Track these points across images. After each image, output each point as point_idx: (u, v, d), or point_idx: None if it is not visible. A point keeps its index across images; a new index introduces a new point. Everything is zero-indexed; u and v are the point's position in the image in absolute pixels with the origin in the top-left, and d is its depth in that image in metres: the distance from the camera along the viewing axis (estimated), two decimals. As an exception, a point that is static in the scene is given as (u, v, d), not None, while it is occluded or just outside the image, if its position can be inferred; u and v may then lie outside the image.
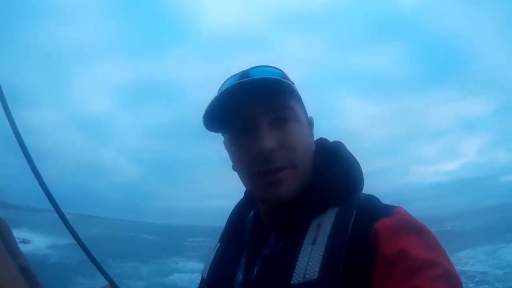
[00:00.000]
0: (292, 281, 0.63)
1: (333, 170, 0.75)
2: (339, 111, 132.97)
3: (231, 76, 0.79)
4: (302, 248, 0.66)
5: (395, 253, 0.59)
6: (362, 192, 0.77)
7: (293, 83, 0.79)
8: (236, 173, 0.81)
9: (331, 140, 0.86)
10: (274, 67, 0.80)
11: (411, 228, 0.64)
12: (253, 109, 0.73)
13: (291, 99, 0.76)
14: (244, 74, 0.77)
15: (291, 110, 0.75)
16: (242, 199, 0.95)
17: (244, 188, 0.92)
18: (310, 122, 0.84)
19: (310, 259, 0.63)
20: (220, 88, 0.79)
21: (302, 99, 0.82)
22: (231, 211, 0.96)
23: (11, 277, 1.33)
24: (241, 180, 0.80)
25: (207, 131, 0.79)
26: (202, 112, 0.75)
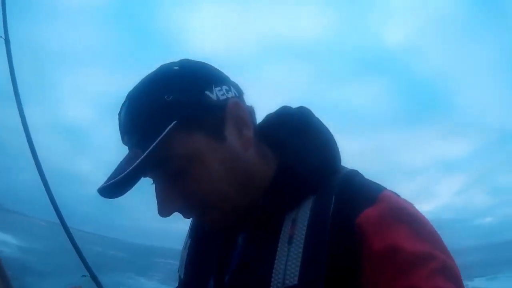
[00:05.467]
0: None
1: (305, 148, 0.62)
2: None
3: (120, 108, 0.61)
4: (278, 249, 0.55)
5: (384, 249, 0.50)
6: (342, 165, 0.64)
7: (171, 103, 0.56)
8: None
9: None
10: (141, 92, 0.59)
11: (400, 216, 0.54)
12: (145, 173, 0.59)
13: (168, 145, 0.55)
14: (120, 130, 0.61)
15: (177, 156, 0.57)
16: None
17: None
18: (223, 111, 0.59)
19: (288, 262, 0.54)
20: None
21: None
22: None
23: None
24: None
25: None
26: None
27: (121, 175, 0.53)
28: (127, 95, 0.61)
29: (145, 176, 0.60)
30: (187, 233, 0.79)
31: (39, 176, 2.01)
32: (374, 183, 0.62)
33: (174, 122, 0.55)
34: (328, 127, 0.66)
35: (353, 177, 0.61)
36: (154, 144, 0.53)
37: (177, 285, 0.80)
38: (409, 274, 0.48)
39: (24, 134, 2.05)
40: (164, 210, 0.59)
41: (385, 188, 0.60)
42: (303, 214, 0.57)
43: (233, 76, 0.65)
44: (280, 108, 0.71)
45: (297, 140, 0.64)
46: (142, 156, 0.53)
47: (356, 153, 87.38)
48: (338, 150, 0.65)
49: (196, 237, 0.75)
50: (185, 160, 0.57)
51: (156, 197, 0.60)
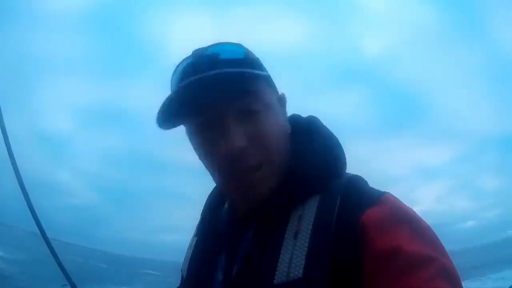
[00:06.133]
0: (275, 281, 0.55)
1: (311, 152, 0.66)
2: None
3: (185, 59, 0.66)
4: (283, 243, 0.58)
5: (386, 250, 0.52)
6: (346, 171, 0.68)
7: (258, 60, 0.67)
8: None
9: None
10: (234, 44, 0.67)
11: (402, 218, 0.57)
12: (217, 103, 0.61)
13: (258, 84, 0.62)
14: (199, 61, 0.64)
15: (259, 98, 0.62)
16: (216, 187, 0.82)
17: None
18: (281, 100, 0.71)
19: (293, 256, 0.56)
20: (175, 72, 0.66)
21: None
22: (206, 199, 0.84)
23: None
24: (210, 175, 0.69)
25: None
26: (157, 110, 0.62)
27: (222, 70, 0.59)
28: (209, 49, 0.65)
29: (218, 110, 0.61)
30: (194, 232, 0.82)
31: (18, 185, 1.99)
32: (376, 188, 0.64)
33: (267, 73, 0.68)
34: (335, 135, 0.71)
35: (357, 181, 0.65)
36: (256, 71, 0.62)
37: (179, 285, 0.83)
38: (409, 276, 0.49)
39: (3, 143, 2.03)
40: (235, 143, 0.59)
41: (386, 192, 0.62)
42: (309, 212, 0.59)
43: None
44: (290, 116, 0.75)
45: (304, 146, 0.67)
46: (246, 70, 0.61)
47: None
48: (344, 157, 0.69)
49: (204, 232, 0.78)
50: (262, 103, 0.63)
51: (227, 131, 0.61)
